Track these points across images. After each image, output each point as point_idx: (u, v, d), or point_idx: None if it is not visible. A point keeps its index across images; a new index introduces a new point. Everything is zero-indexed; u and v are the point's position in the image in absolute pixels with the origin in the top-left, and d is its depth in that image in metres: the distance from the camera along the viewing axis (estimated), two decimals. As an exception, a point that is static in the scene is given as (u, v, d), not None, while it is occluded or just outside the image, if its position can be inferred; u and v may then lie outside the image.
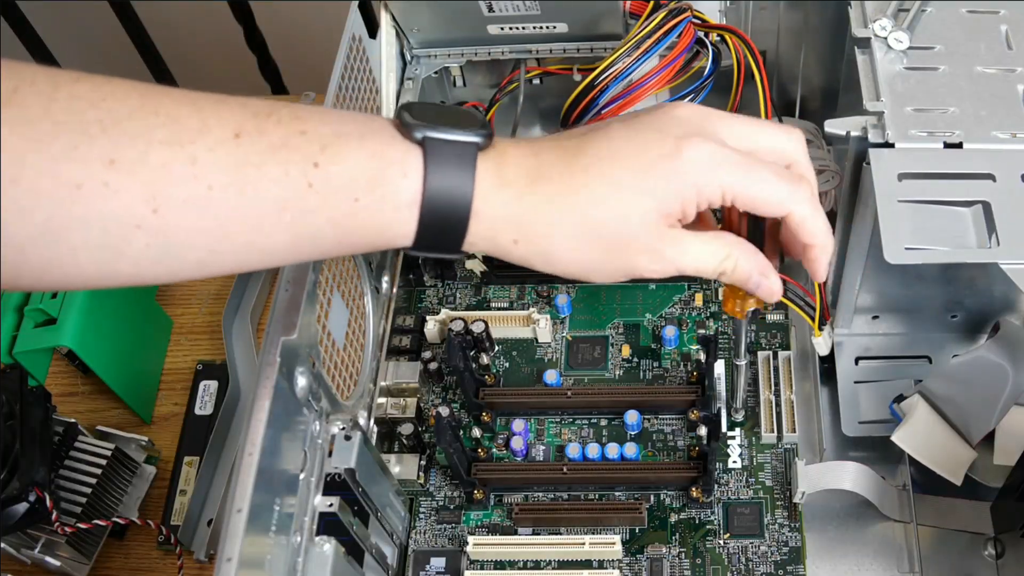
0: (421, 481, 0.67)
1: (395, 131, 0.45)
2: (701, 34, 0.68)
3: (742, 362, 0.64)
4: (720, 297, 0.72)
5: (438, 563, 0.63)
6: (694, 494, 0.64)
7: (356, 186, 0.43)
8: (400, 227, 0.45)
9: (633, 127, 0.47)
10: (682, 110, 0.48)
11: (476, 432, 0.68)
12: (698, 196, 0.46)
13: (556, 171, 0.46)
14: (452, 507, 0.66)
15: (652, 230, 0.47)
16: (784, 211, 0.48)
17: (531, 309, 0.72)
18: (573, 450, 0.66)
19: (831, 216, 0.69)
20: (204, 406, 0.76)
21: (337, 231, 0.44)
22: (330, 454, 0.56)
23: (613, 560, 0.63)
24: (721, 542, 0.63)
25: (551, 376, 0.70)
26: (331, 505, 0.54)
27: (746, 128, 0.48)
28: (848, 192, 0.59)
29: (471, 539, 0.63)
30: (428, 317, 0.73)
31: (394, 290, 0.73)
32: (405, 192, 0.44)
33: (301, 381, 0.53)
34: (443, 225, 0.45)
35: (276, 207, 0.42)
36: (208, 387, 0.77)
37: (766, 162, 0.47)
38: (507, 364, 0.72)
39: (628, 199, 0.46)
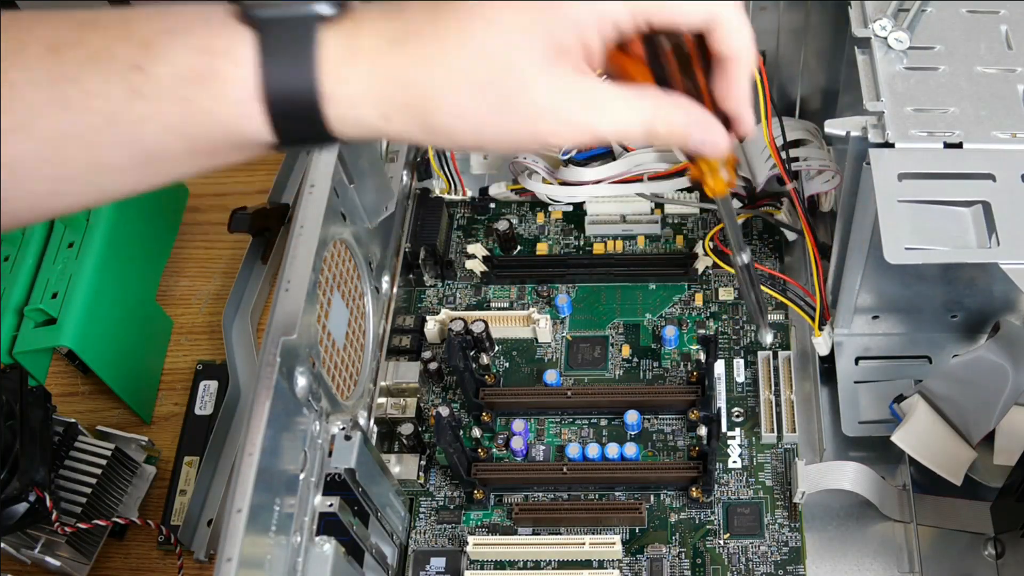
0: (421, 481, 0.67)
1: (229, 16, 0.39)
2: (701, 34, 0.68)
3: (743, 259, 0.54)
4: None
5: (438, 563, 0.63)
6: (694, 494, 0.64)
7: (184, 85, 0.38)
8: (250, 123, 0.40)
9: None
10: None
11: (476, 432, 0.68)
12: (599, 21, 0.40)
13: (423, 24, 0.40)
14: (452, 507, 0.66)
15: (547, 72, 0.39)
16: (710, 16, 0.41)
17: (531, 309, 0.72)
18: (573, 450, 0.66)
19: (831, 216, 0.69)
20: (204, 406, 0.76)
21: (179, 139, 0.40)
22: (330, 454, 0.56)
23: (613, 560, 0.63)
24: (721, 542, 0.63)
25: (551, 376, 0.70)
26: (331, 505, 0.54)
27: None
28: (848, 192, 0.59)
29: (471, 539, 0.63)
30: (428, 317, 0.73)
31: (394, 290, 0.73)
32: (240, 85, 0.39)
33: (301, 381, 0.53)
34: (297, 116, 0.40)
35: (104, 121, 0.38)
36: (208, 387, 0.77)
37: None
38: (507, 364, 0.72)
39: (509, 34, 0.39)
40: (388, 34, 0.40)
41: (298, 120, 0.40)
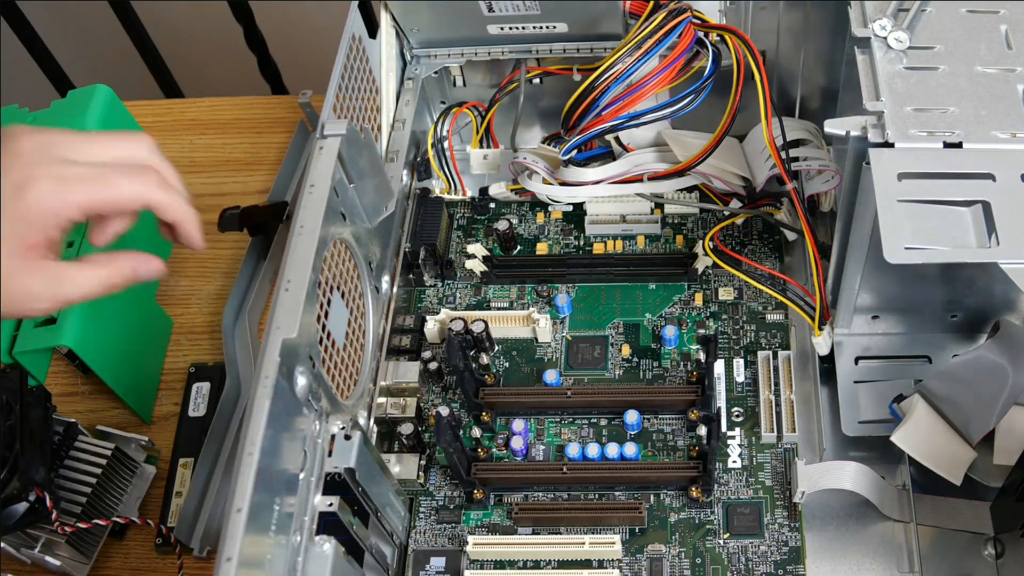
0: (421, 481, 0.67)
1: None
2: (701, 34, 0.68)
3: None
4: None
5: (438, 563, 0.63)
6: (694, 494, 0.64)
7: None
8: None
9: None
10: (24, 142, 0.50)
11: (476, 432, 0.68)
12: (57, 221, 0.50)
13: None
14: (452, 507, 0.66)
15: (22, 267, 0.49)
16: (144, 202, 0.52)
17: (531, 309, 0.72)
18: (573, 450, 0.66)
19: (831, 216, 0.69)
20: (197, 408, 0.76)
21: None
22: (330, 454, 0.56)
23: (613, 560, 0.63)
24: (721, 542, 0.63)
25: (551, 376, 0.70)
26: (331, 505, 0.54)
27: (94, 145, 0.52)
28: (848, 192, 0.59)
29: (471, 539, 0.63)
30: (428, 317, 0.73)
31: (394, 290, 0.73)
32: None
33: (301, 381, 0.53)
34: None
35: None
36: (201, 389, 0.77)
37: (115, 167, 0.52)
38: (507, 364, 0.72)
39: None
40: None
41: None
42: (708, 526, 0.64)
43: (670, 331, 0.71)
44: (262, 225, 0.82)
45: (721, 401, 0.68)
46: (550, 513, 0.65)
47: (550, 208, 0.79)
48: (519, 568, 0.63)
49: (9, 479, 0.61)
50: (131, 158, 0.53)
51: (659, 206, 0.77)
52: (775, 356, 0.70)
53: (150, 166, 0.54)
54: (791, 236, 0.75)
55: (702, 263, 0.74)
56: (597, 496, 0.66)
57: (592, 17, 0.71)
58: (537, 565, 0.63)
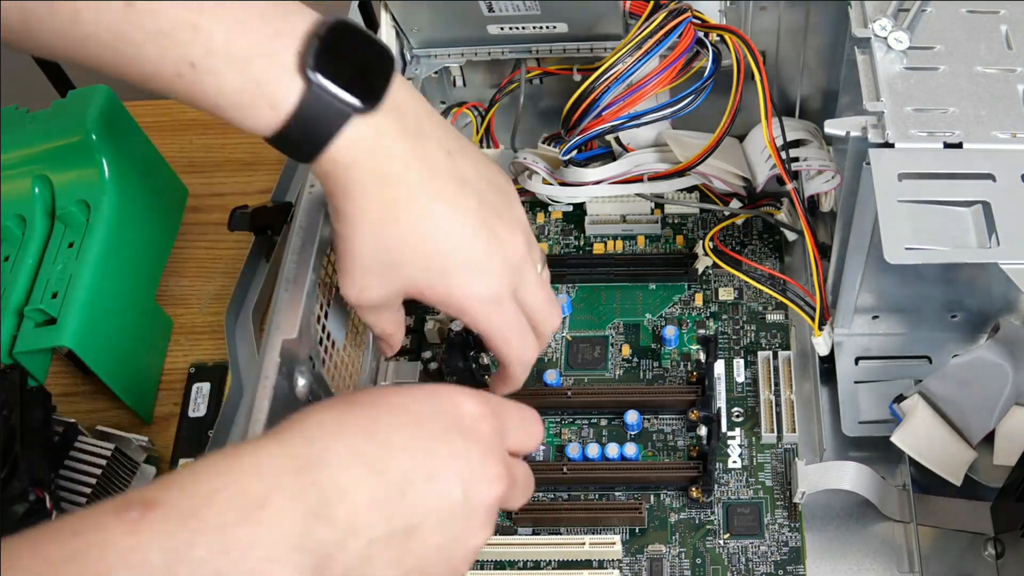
0: (421, 481, 0.67)
1: (292, 56, 0.45)
2: (701, 34, 0.68)
3: None
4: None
5: (438, 563, 0.63)
6: (694, 494, 0.64)
7: (222, 99, 0.45)
8: (260, 130, 0.46)
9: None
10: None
11: (476, 432, 0.68)
12: None
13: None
14: (452, 507, 0.66)
15: None
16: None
17: (531, 309, 0.72)
18: (573, 450, 0.66)
19: (831, 216, 0.69)
20: (197, 408, 0.76)
21: (198, 105, 0.46)
22: (330, 454, 0.56)
23: (613, 560, 0.63)
24: (721, 542, 0.63)
25: (551, 376, 0.70)
26: (331, 505, 0.54)
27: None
28: (848, 192, 0.59)
29: (471, 539, 0.63)
30: (428, 317, 0.73)
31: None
32: (268, 120, 0.45)
33: (301, 381, 0.53)
34: (295, 145, 0.47)
35: (145, 78, 0.45)
36: (201, 389, 0.77)
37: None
38: (507, 364, 0.72)
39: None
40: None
41: (294, 149, 0.47)
42: (708, 526, 0.64)
43: (670, 331, 0.71)
44: (268, 225, 0.82)
45: (721, 401, 0.68)
46: (550, 513, 0.65)
47: (550, 208, 0.79)
48: (519, 568, 0.63)
49: (9, 479, 0.61)
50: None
51: (659, 206, 0.77)
52: (775, 356, 0.70)
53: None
54: (791, 236, 0.75)
55: (702, 263, 0.74)
56: (597, 496, 0.66)
57: (592, 17, 0.71)
58: (537, 565, 0.63)
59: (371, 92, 0.46)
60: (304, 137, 0.46)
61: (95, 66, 0.45)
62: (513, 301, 0.53)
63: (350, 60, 0.46)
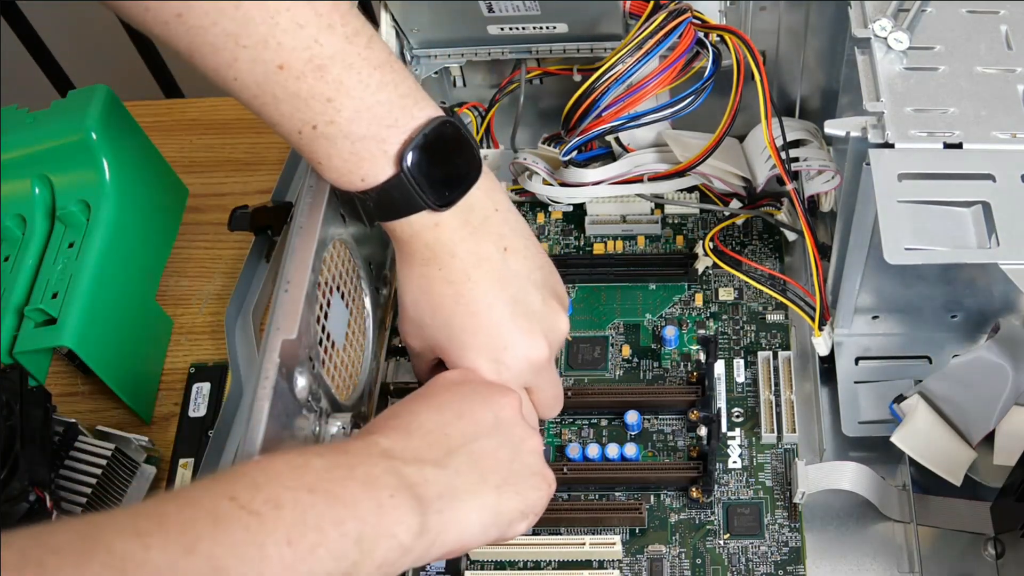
0: (421, 481, 0.67)
1: (396, 146, 0.50)
2: (701, 35, 0.68)
3: None
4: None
5: (438, 563, 0.63)
6: (694, 494, 0.64)
7: (326, 160, 0.51)
8: (342, 187, 0.53)
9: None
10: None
11: (476, 432, 0.68)
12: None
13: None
14: (452, 507, 0.66)
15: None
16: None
17: (531, 309, 0.72)
18: (573, 450, 0.66)
19: (831, 216, 0.69)
20: (197, 408, 0.76)
21: (301, 153, 0.52)
22: (330, 454, 0.56)
23: (613, 560, 0.63)
24: (721, 542, 0.63)
25: (551, 376, 0.70)
26: (331, 505, 0.54)
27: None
28: (848, 192, 0.59)
29: (471, 539, 0.63)
30: (428, 317, 0.73)
31: (394, 290, 0.73)
32: (354, 185, 0.52)
33: (301, 381, 0.53)
34: (367, 208, 0.54)
35: (270, 122, 0.51)
36: (201, 389, 0.77)
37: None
38: (507, 364, 0.72)
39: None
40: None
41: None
42: (708, 527, 0.64)
43: (670, 331, 0.71)
44: (268, 225, 0.82)
45: (721, 401, 0.68)
46: (550, 513, 0.65)
47: (550, 208, 0.79)
48: (519, 568, 0.63)
49: (9, 479, 0.61)
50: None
51: (659, 206, 0.77)
52: (775, 356, 0.70)
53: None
54: (791, 236, 0.75)
55: (702, 263, 0.74)
56: (597, 496, 0.66)
57: (592, 17, 0.71)
58: (537, 565, 0.63)
59: (448, 199, 0.52)
60: (377, 208, 0.52)
61: (231, 95, 0.50)
62: (521, 390, 0.57)
63: (442, 162, 0.51)
